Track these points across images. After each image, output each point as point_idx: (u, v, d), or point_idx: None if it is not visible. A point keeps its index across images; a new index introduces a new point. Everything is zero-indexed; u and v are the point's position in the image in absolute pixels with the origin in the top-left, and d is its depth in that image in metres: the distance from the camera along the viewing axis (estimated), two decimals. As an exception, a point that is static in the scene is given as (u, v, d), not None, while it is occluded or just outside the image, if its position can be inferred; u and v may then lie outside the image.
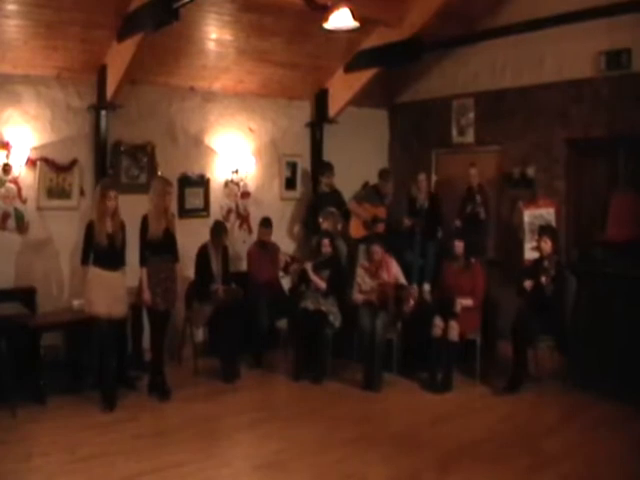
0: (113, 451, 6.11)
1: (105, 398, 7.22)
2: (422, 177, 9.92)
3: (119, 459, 5.94)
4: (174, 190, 7.98)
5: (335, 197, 10.13)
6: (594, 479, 5.71)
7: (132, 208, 8.99)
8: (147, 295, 7.52)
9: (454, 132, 10.88)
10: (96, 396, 7.45)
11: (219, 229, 8.75)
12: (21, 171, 8.22)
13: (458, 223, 9.70)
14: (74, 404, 7.30)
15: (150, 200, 7.66)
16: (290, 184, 10.75)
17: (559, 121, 9.44)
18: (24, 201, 8.26)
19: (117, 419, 6.92)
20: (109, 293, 7.26)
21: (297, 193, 10.84)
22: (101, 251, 7.27)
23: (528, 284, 7.88)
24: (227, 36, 8.80)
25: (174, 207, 8.91)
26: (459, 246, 8.30)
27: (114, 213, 7.39)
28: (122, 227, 7.52)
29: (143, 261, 7.60)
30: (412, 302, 8.38)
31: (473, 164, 9.76)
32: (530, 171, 9.72)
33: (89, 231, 7.31)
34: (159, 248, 7.58)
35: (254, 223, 9.92)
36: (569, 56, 9.14)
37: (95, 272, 7.27)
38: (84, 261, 7.35)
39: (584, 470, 5.83)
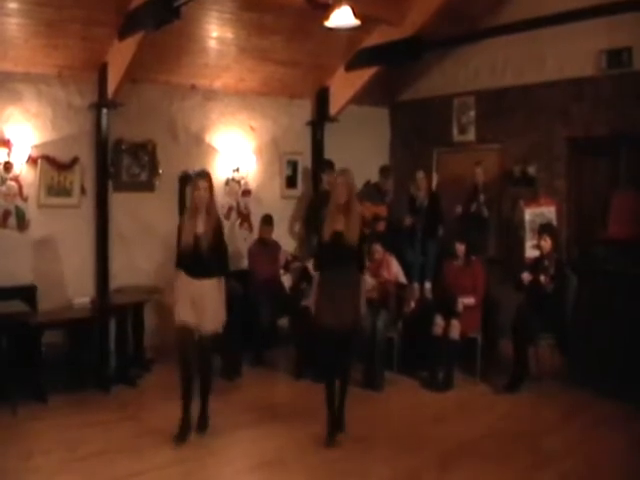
0: (114, 449, 6.12)
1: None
2: (420, 175, 9.88)
3: (120, 457, 5.94)
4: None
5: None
6: (594, 477, 5.71)
7: (133, 206, 9.07)
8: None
9: (455, 130, 10.89)
10: (97, 395, 7.50)
11: None
12: (22, 169, 8.24)
13: (459, 210, 9.69)
14: (75, 402, 7.30)
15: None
16: (291, 182, 10.78)
17: (560, 119, 9.45)
18: (25, 199, 8.28)
19: (118, 417, 6.93)
20: (192, 303, 6.30)
21: (298, 191, 10.86)
22: (185, 253, 6.34)
23: (526, 276, 7.90)
24: (228, 34, 8.81)
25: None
26: (460, 249, 8.31)
27: (209, 209, 6.35)
28: (216, 227, 6.40)
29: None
30: (413, 304, 8.39)
31: (479, 163, 9.77)
32: (531, 169, 9.73)
33: (179, 232, 6.42)
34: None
35: (255, 221, 9.94)
36: (570, 55, 9.15)
37: (181, 277, 6.38)
38: (176, 263, 6.47)
39: (584, 468, 5.82)
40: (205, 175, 6.45)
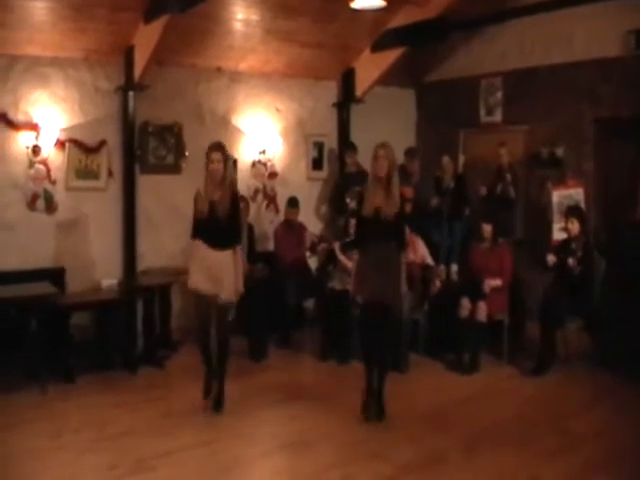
0: (141, 429, 6.19)
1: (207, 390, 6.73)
2: (446, 160, 9.89)
3: (147, 437, 6.01)
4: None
5: (362, 177, 10.04)
6: (621, 461, 5.67)
7: (160, 189, 9.12)
8: None
9: (482, 112, 10.82)
10: (124, 375, 7.60)
11: None
12: (50, 152, 8.32)
13: (484, 191, 9.66)
14: (103, 383, 7.40)
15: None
16: (317, 164, 10.78)
17: (588, 101, 9.36)
18: (53, 182, 8.36)
19: (145, 398, 7.00)
20: (208, 271, 6.36)
21: (324, 173, 10.86)
22: (202, 222, 6.40)
23: (550, 258, 7.85)
24: (253, 16, 8.79)
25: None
26: (486, 229, 8.25)
27: (222, 181, 6.39)
28: (233, 199, 6.47)
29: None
30: (438, 283, 8.38)
31: (502, 144, 9.70)
32: (559, 151, 9.65)
33: (195, 201, 6.45)
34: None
35: (281, 203, 9.96)
36: (598, 35, 9.05)
37: (198, 247, 6.42)
38: (192, 234, 6.52)
39: (612, 452, 5.79)
40: (218, 147, 6.46)
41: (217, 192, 6.36)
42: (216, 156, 6.35)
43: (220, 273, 6.37)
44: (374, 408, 6.41)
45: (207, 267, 6.37)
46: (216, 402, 6.62)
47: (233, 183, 6.77)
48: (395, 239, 6.20)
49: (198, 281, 6.43)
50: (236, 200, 6.55)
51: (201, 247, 6.42)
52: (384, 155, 6.16)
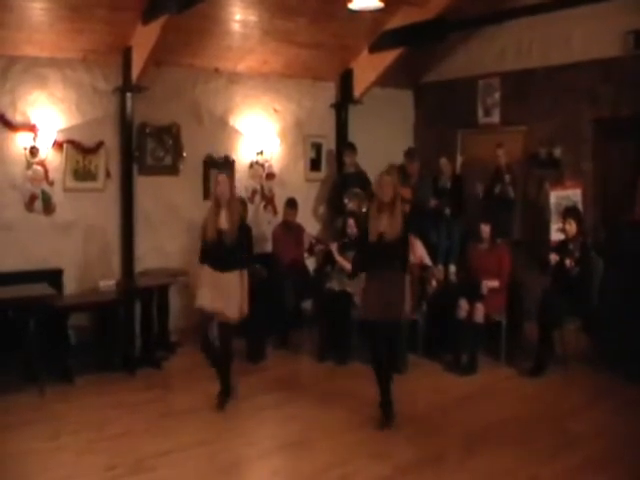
0: (140, 429, 6.19)
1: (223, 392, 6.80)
2: (444, 161, 9.93)
3: (146, 437, 6.02)
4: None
5: (360, 177, 10.09)
6: (619, 461, 5.67)
7: (158, 190, 9.11)
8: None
9: (480, 112, 10.82)
10: (123, 376, 7.61)
11: None
12: (48, 153, 8.30)
13: (479, 188, 9.63)
14: (102, 384, 7.39)
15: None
16: (315, 165, 10.77)
17: (586, 101, 9.35)
18: (51, 183, 8.34)
19: (144, 399, 6.99)
20: (216, 291, 6.48)
21: (322, 174, 10.85)
22: (209, 247, 6.54)
23: (553, 257, 7.84)
24: (251, 17, 8.78)
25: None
26: (485, 230, 8.26)
27: (230, 203, 6.51)
28: (242, 227, 6.64)
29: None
30: (434, 283, 8.38)
31: (500, 145, 9.68)
32: (557, 152, 9.64)
33: (203, 228, 6.59)
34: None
35: (279, 204, 9.95)
36: (597, 35, 9.03)
37: (205, 270, 6.58)
38: (200, 259, 6.66)
39: (610, 452, 5.80)
40: (225, 169, 6.85)
41: (225, 219, 6.44)
42: (222, 178, 6.56)
43: (226, 292, 6.49)
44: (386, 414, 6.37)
45: (214, 287, 6.50)
46: (220, 403, 6.72)
47: (238, 207, 6.95)
48: (398, 260, 6.30)
49: (205, 300, 6.53)
50: (244, 228, 6.72)
51: (208, 271, 6.57)
52: (389, 182, 6.28)
